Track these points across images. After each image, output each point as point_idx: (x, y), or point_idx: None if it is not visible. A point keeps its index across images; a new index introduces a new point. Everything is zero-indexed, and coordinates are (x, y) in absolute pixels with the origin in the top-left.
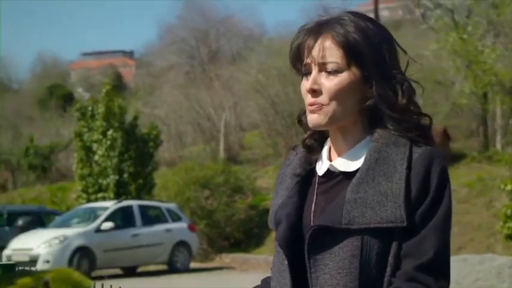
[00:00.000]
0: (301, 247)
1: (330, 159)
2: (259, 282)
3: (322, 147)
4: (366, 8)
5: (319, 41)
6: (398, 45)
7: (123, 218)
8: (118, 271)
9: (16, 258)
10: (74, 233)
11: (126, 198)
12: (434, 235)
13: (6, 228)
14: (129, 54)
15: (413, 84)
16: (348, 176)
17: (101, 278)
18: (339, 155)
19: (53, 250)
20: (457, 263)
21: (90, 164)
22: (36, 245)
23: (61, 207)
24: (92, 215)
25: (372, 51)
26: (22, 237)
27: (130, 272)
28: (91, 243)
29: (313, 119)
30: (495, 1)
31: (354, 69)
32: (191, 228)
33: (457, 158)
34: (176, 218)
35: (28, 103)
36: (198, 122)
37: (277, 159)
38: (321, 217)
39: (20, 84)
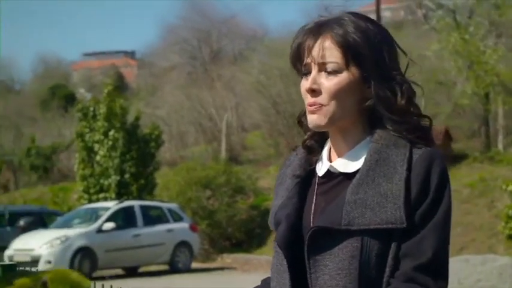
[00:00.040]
0: (301, 248)
1: (330, 160)
2: (259, 283)
3: (322, 148)
4: (368, 9)
5: (319, 41)
6: (399, 47)
7: (124, 219)
8: (119, 271)
9: (18, 258)
10: (76, 233)
11: (128, 199)
12: (433, 235)
13: (8, 228)
14: (131, 54)
15: (414, 86)
16: (348, 176)
17: (103, 278)
18: (339, 155)
19: (55, 250)
20: (458, 264)
21: (92, 165)
22: (38, 245)
23: (63, 208)
24: (94, 215)
25: (371, 51)
26: (24, 237)
27: (131, 272)
28: (92, 244)
29: (313, 119)
30: (497, 2)
31: (354, 70)
32: (193, 228)
33: (459, 158)
34: (178, 218)
35: (30, 103)
36: (200, 122)
37: (278, 160)
38: (321, 218)
39: (22, 84)
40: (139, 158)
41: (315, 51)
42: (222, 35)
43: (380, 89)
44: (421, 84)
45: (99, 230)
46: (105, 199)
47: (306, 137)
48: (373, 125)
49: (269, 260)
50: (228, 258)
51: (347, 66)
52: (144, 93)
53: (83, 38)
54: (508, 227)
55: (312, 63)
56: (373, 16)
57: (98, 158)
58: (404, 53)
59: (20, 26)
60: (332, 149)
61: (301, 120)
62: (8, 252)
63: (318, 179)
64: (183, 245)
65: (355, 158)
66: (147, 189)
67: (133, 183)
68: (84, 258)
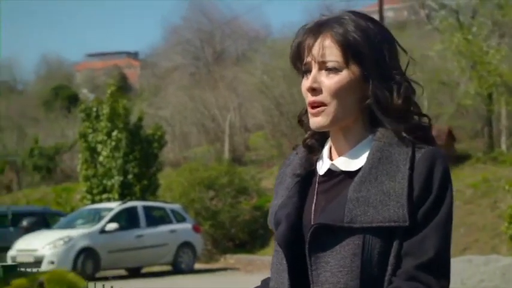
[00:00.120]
0: (301, 247)
1: (331, 159)
2: (260, 283)
3: (322, 147)
4: (371, 9)
5: (319, 40)
6: (399, 45)
7: (127, 219)
8: (122, 272)
9: (20, 259)
10: (79, 234)
11: (131, 199)
12: (435, 235)
13: (11, 229)
14: (134, 55)
15: (415, 85)
16: (349, 175)
17: (106, 278)
18: (340, 154)
19: (58, 251)
20: (461, 264)
21: (95, 165)
22: (41, 246)
23: (66, 208)
24: (97, 216)
25: (371, 50)
26: (27, 238)
27: (134, 272)
28: (95, 244)
29: (316, 121)
30: (500, 2)
31: (354, 68)
32: (196, 229)
33: (461, 158)
34: (181, 219)
35: (33, 104)
36: (203, 123)
37: (281, 160)
38: (322, 216)
39: (25, 85)
40: (142, 158)
41: (315, 50)
42: (225, 36)
43: (378, 88)
44: (424, 84)
45: (102, 231)
46: (108, 200)
47: (306, 136)
48: (375, 123)
49: None
50: (231, 259)
51: (347, 64)
52: (147, 94)
53: (86, 38)
54: (511, 228)
55: (312, 62)
56: (376, 16)
57: (101, 158)
58: (405, 51)
59: (23, 27)
60: (333, 148)
61: (301, 120)
62: (11, 253)
63: (319, 178)
64: (186, 245)
65: (356, 157)
66: (150, 190)
67: (136, 184)
68: (87, 258)
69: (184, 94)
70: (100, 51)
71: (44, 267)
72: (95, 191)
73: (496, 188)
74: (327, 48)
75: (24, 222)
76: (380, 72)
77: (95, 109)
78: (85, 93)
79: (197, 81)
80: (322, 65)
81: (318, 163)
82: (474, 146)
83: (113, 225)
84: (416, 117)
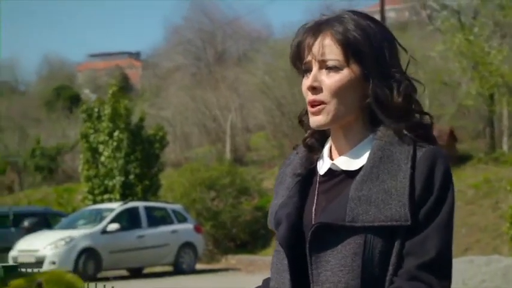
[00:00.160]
0: (302, 247)
1: (331, 158)
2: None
3: (323, 146)
4: (372, 10)
5: (319, 39)
6: (399, 44)
7: (129, 219)
8: (124, 272)
9: (22, 259)
10: (80, 234)
11: (132, 200)
12: (437, 234)
13: (12, 229)
14: (136, 55)
15: (416, 84)
16: (350, 174)
17: (107, 279)
18: (341, 153)
19: (59, 251)
20: (463, 264)
21: (96, 165)
22: (42, 246)
23: (67, 209)
24: (98, 216)
25: (371, 49)
26: (28, 238)
27: (136, 273)
28: (97, 245)
29: (316, 120)
30: (502, 2)
31: (354, 67)
32: (197, 229)
33: (463, 159)
34: (182, 219)
35: (35, 104)
36: (204, 123)
37: (283, 161)
38: (323, 215)
39: (27, 85)
40: (143, 159)
41: (315, 49)
42: (226, 36)
43: (378, 86)
44: (426, 84)
45: (104, 231)
46: (110, 200)
47: (306, 135)
48: (375, 122)
49: None
50: (232, 259)
51: (347, 63)
52: (148, 94)
53: (88, 39)
54: None
55: (313, 61)
56: (377, 17)
57: (102, 158)
58: (405, 50)
59: (25, 27)
60: (333, 147)
61: (302, 120)
62: (12, 253)
63: (319, 178)
64: (188, 246)
65: (357, 156)
66: (151, 190)
67: (137, 184)
68: (88, 259)
69: (186, 94)
70: (102, 52)
71: (46, 267)
72: (96, 192)
73: (497, 189)
74: (327, 47)
75: (26, 223)
76: (380, 70)
77: (96, 109)
78: (87, 94)
79: (198, 81)
80: (323, 64)
81: (318, 163)
82: (476, 146)
83: (115, 226)
84: (417, 115)
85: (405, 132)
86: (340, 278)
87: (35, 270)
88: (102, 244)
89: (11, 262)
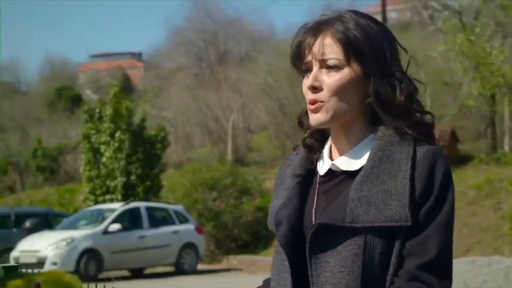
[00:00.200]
0: (302, 248)
1: (331, 158)
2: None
3: (322, 146)
4: (374, 10)
5: (319, 39)
6: (400, 45)
7: (130, 220)
8: (125, 273)
9: (23, 260)
10: (82, 234)
11: (134, 200)
12: (437, 234)
13: (14, 229)
14: (138, 56)
15: (417, 83)
16: (350, 175)
17: (109, 279)
18: (341, 154)
19: (60, 252)
20: (464, 265)
21: (98, 166)
22: (44, 246)
23: (69, 209)
24: (100, 216)
25: (372, 48)
26: (29, 239)
27: (137, 273)
28: (98, 245)
29: (315, 118)
30: (503, 2)
31: (355, 66)
32: (198, 230)
33: (465, 159)
34: (183, 220)
35: (36, 105)
36: (206, 124)
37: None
38: (323, 216)
39: (29, 86)
40: (145, 159)
41: (316, 49)
42: (228, 37)
43: (380, 85)
44: (427, 85)
45: (105, 232)
46: (111, 200)
47: (305, 135)
48: (376, 122)
49: None
50: (234, 260)
51: (348, 62)
52: (150, 95)
53: (89, 39)
54: None
55: (313, 61)
56: (379, 17)
57: (104, 159)
58: (405, 50)
59: (27, 28)
60: (333, 147)
61: (301, 121)
62: (14, 254)
63: (319, 178)
64: (189, 246)
65: (357, 156)
66: (153, 191)
67: (139, 185)
68: (90, 259)
69: (188, 95)
70: (104, 52)
71: (47, 268)
72: (98, 192)
73: (499, 189)
74: (328, 46)
75: (27, 223)
76: (381, 70)
77: (98, 110)
78: (88, 94)
79: (200, 82)
80: (323, 63)
81: (318, 163)
82: (477, 146)
83: (116, 226)
84: (418, 115)
85: (406, 130)
86: (340, 279)
87: (35, 271)
88: (103, 244)
89: (12, 262)
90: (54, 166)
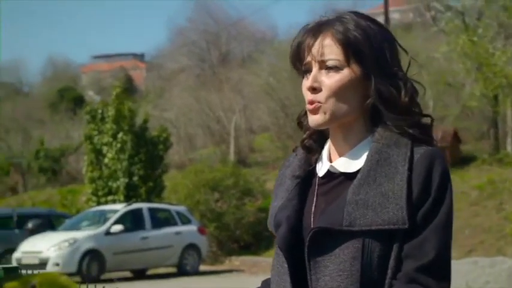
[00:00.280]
0: (301, 249)
1: (330, 160)
2: (261, 284)
3: (321, 147)
4: (377, 11)
5: (319, 39)
6: (400, 46)
7: (132, 221)
8: (128, 274)
9: (26, 261)
10: (84, 235)
11: (136, 201)
12: (435, 236)
13: (16, 230)
14: (140, 57)
15: (418, 86)
16: (349, 177)
17: (111, 280)
18: (340, 155)
19: (63, 253)
20: (467, 266)
21: (100, 167)
22: (46, 247)
23: (71, 210)
24: (102, 217)
25: (372, 49)
26: (32, 240)
27: (140, 274)
28: (101, 246)
29: (314, 119)
30: (506, 3)
31: (355, 67)
32: (201, 231)
33: (467, 160)
34: (186, 221)
35: (39, 106)
36: (208, 125)
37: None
38: (321, 219)
39: (31, 87)
40: (147, 160)
41: (315, 49)
42: (230, 37)
43: (382, 84)
44: (430, 86)
45: (108, 233)
46: (114, 201)
47: (304, 136)
48: (375, 123)
49: None
50: (236, 261)
51: (348, 63)
52: (152, 96)
53: (92, 40)
54: None
55: (313, 62)
56: (381, 18)
57: (106, 160)
58: (405, 51)
59: (29, 29)
60: (332, 149)
61: (301, 121)
62: (16, 255)
63: (318, 180)
64: (191, 247)
65: (356, 158)
66: (155, 192)
67: (141, 186)
68: (92, 260)
69: (190, 96)
70: (106, 53)
71: (49, 269)
72: (100, 193)
73: (501, 190)
74: (327, 47)
75: (30, 224)
76: (381, 70)
77: (100, 111)
78: (91, 95)
79: (202, 82)
80: (322, 64)
81: (317, 164)
82: (480, 147)
83: (118, 227)
84: (418, 117)
85: (406, 129)
86: (339, 283)
87: (35, 271)
88: (105, 245)
89: (14, 263)
90: (57, 167)
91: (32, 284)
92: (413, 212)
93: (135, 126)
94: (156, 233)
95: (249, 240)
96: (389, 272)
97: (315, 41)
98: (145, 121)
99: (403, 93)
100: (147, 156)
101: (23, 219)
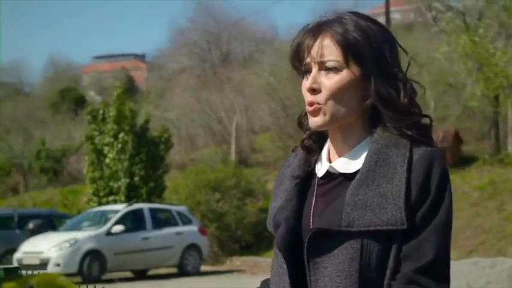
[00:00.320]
0: (301, 250)
1: (330, 161)
2: (260, 284)
3: (321, 148)
4: (378, 11)
5: (318, 40)
6: (400, 46)
7: (133, 221)
8: (129, 274)
9: (27, 261)
10: (85, 236)
11: (137, 202)
12: (434, 237)
13: (17, 231)
14: (141, 57)
15: (418, 86)
16: (348, 177)
17: (112, 281)
18: (339, 156)
19: (64, 253)
20: (468, 266)
21: (101, 167)
22: (47, 248)
23: (72, 211)
24: (103, 218)
25: (371, 50)
26: (33, 240)
27: (140, 275)
28: (101, 247)
29: (314, 121)
30: (506, 4)
31: (354, 68)
32: (202, 231)
33: (468, 160)
34: (187, 221)
35: (40, 106)
36: (209, 125)
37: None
38: (320, 219)
39: (32, 87)
40: (148, 160)
41: (315, 50)
42: (231, 38)
43: (381, 85)
44: (431, 86)
45: (108, 233)
46: (115, 202)
47: (304, 136)
48: (374, 124)
49: None
50: (237, 261)
51: (347, 64)
52: (153, 96)
53: (93, 41)
54: None
55: (312, 63)
56: (382, 18)
57: (107, 160)
58: (405, 52)
59: (31, 29)
60: (331, 149)
61: (301, 122)
62: (17, 255)
63: (318, 180)
64: (192, 247)
65: (355, 159)
66: (156, 192)
67: (142, 186)
68: (93, 261)
69: (191, 96)
70: (107, 54)
71: (50, 269)
72: (101, 193)
73: (502, 190)
74: (327, 48)
75: (31, 225)
76: (381, 71)
77: (101, 111)
78: (92, 96)
79: (204, 83)
80: (322, 65)
81: (316, 165)
82: (481, 148)
83: (119, 228)
84: (417, 117)
85: (405, 131)
86: (338, 284)
87: (36, 272)
88: (106, 246)
89: (15, 264)
90: (58, 167)
91: (29, 285)
92: (412, 213)
93: (136, 126)
94: (157, 233)
95: (250, 241)
96: (388, 272)
97: (314, 41)
98: (147, 121)
99: (402, 94)
100: (148, 156)
101: (24, 219)
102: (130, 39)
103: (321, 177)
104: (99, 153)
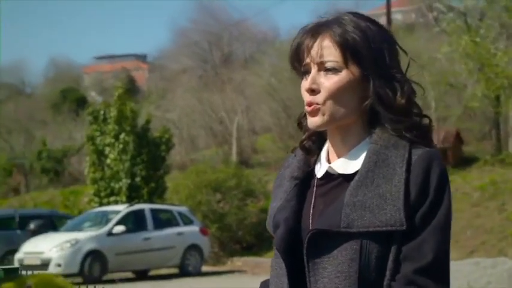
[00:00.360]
0: (300, 251)
1: (329, 161)
2: (260, 285)
3: (320, 149)
4: (379, 12)
5: (317, 41)
6: (400, 47)
7: (134, 222)
8: (130, 274)
9: (28, 261)
10: (86, 236)
11: (138, 202)
12: (433, 238)
13: (18, 231)
14: (142, 57)
15: (416, 86)
16: (347, 178)
17: (113, 281)
18: (338, 156)
19: (65, 254)
20: (469, 267)
21: (102, 168)
22: (48, 248)
23: (73, 211)
24: (104, 218)
25: (371, 50)
26: (34, 240)
27: (142, 275)
28: (103, 247)
29: (313, 121)
30: (508, 4)
31: (353, 68)
32: (203, 231)
33: (469, 161)
34: (188, 222)
35: (41, 107)
36: (211, 126)
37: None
38: (320, 220)
39: (33, 88)
40: (149, 161)
41: (314, 51)
42: (233, 38)
43: (379, 87)
44: (432, 86)
45: (110, 233)
46: (116, 202)
47: (303, 137)
48: (373, 124)
49: None
50: (238, 262)
51: (346, 64)
52: (154, 97)
53: (94, 41)
54: None
55: (311, 63)
56: (383, 19)
57: (108, 161)
58: (405, 52)
59: (32, 29)
60: (331, 150)
61: (301, 122)
62: (18, 256)
63: (317, 181)
64: (193, 248)
65: (354, 159)
66: (157, 193)
67: (143, 187)
68: (94, 261)
69: (192, 97)
70: (108, 54)
71: (51, 269)
72: (102, 194)
73: (503, 190)
74: (326, 49)
75: (32, 225)
76: (380, 72)
77: (102, 112)
78: (93, 96)
79: (205, 83)
80: (321, 66)
81: (316, 165)
82: (482, 148)
83: (120, 228)
84: (417, 118)
85: (404, 133)
86: (337, 285)
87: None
88: (108, 246)
89: (16, 264)
90: (59, 168)
91: (27, 285)
92: (411, 214)
93: (137, 127)
94: (158, 234)
95: (251, 241)
96: (387, 273)
97: (313, 42)
98: (148, 122)
99: (399, 94)
100: (149, 157)
101: (25, 220)
102: (131, 39)
103: (320, 178)
104: (100, 154)
